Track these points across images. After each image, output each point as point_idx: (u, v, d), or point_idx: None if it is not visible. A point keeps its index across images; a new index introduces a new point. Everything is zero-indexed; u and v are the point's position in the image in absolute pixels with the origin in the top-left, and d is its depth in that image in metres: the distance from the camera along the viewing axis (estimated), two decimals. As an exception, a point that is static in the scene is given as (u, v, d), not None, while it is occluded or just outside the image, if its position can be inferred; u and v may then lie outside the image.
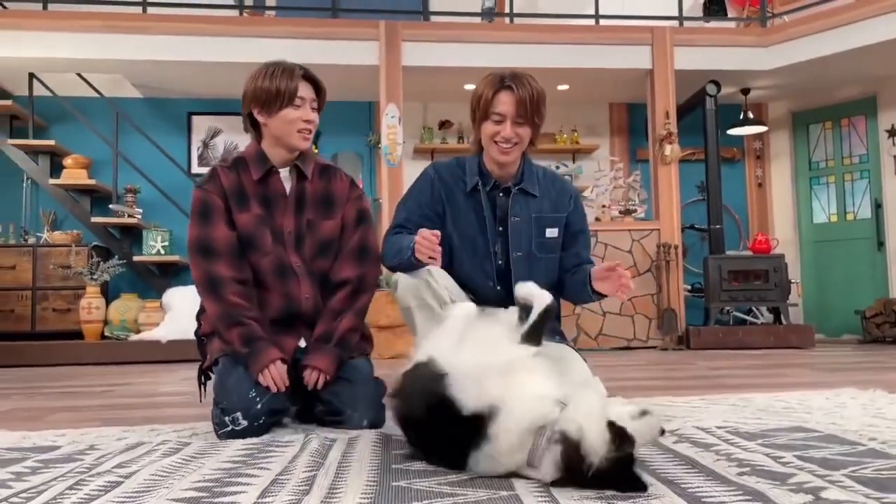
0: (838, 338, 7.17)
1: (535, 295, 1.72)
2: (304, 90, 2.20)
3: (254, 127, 2.25)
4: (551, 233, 2.32)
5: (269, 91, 2.16)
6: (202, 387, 2.33)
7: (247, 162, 2.23)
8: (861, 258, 7.22)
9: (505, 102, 2.21)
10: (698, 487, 1.33)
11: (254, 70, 2.23)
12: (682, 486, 1.35)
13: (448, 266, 2.27)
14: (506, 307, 2.16)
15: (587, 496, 1.28)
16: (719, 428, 1.98)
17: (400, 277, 2.20)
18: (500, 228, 2.30)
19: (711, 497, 1.26)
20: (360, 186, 2.44)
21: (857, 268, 7.24)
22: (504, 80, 2.22)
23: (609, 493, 1.29)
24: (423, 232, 2.04)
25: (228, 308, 2.08)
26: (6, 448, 1.89)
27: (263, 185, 2.22)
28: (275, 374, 2.05)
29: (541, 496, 1.28)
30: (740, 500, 1.24)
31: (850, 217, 7.39)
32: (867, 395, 2.65)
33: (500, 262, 2.29)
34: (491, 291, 2.27)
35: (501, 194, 2.32)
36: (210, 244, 2.14)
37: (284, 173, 2.26)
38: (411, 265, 2.12)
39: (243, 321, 2.07)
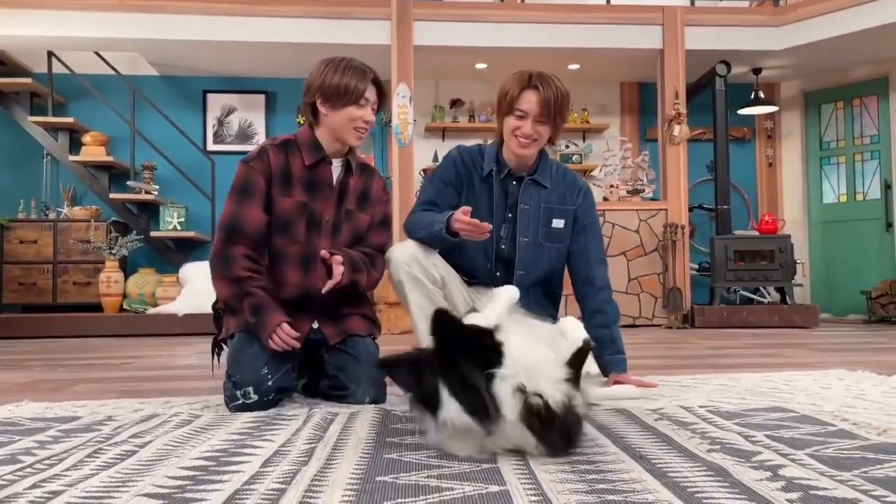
0: (844, 318, 7.22)
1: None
2: (370, 93, 2.25)
3: (312, 115, 2.29)
4: (557, 223, 2.46)
5: (339, 87, 2.20)
6: (216, 358, 2.44)
7: (298, 146, 2.28)
8: (869, 239, 7.25)
9: (529, 101, 2.33)
10: (666, 463, 1.42)
11: (321, 62, 2.26)
12: (652, 461, 1.44)
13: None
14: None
15: (562, 469, 1.38)
16: (702, 407, 2.07)
17: (392, 253, 2.35)
18: (510, 215, 2.44)
19: (676, 472, 1.35)
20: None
21: (865, 248, 7.27)
22: (531, 79, 2.34)
23: (583, 468, 1.40)
24: (462, 217, 2.17)
25: (237, 282, 2.15)
26: (30, 418, 2.02)
27: (312, 171, 2.27)
28: (282, 336, 2.11)
29: (519, 470, 1.38)
30: (702, 476, 1.33)
31: (859, 197, 7.40)
32: (854, 376, 2.73)
33: (503, 245, 2.43)
34: (487, 273, 2.42)
35: (514, 182, 2.46)
36: (239, 224, 2.19)
37: (336, 164, 2.32)
38: (442, 239, 2.27)
39: (251, 291, 2.14)
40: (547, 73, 2.38)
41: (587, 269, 2.49)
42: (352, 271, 2.25)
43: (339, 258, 2.21)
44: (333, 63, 2.24)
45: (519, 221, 2.43)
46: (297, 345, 2.15)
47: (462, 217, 2.18)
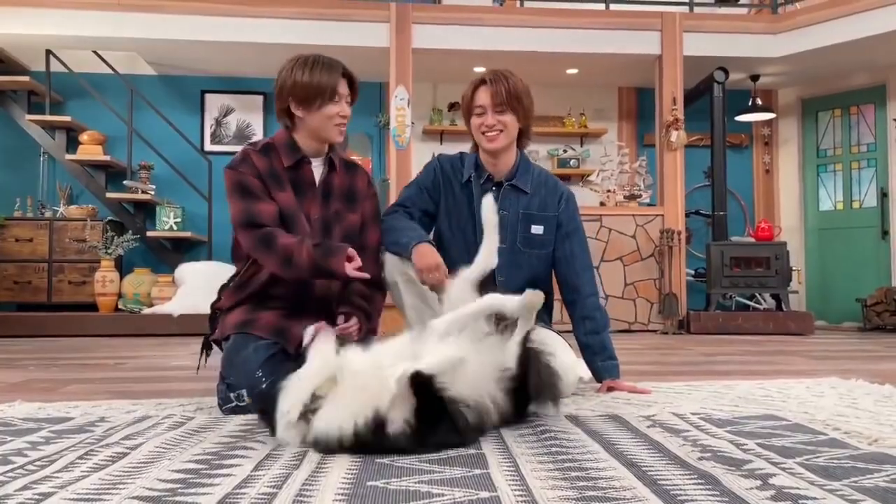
0: (839, 325, 7.23)
1: None
2: (342, 87, 2.23)
3: (288, 116, 2.27)
4: (537, 230, 2.46)
5: (310, 87, 2.17)
6: (205, 357, 2.43)
7: (277, 149, 2.27)
8: (865, 246, 7.26)
9: (482, 95, 2.38)
10: (658, 471, 1.42)
11: (287, 62, 2.23)
12: (643, 468, 1.44)
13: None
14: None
15: (553, 476, 1.38)
16: (694, 414, 2.07)
17: (387, 256, 2.35)
18: None
19: (667, 480, 1.35)
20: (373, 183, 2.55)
21: (860, 256, 7.28)
22: (482, 78, 2.39)
23: (573, 475, 1.40)
24: (424, 262, 2.22)
25: (286, 246, 2.11)
26: (23, 418, 2.02)
27: (294, 172, 2.27)
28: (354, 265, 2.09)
29: (511, 477, 1.38)
30: (693, 484, 1.33)
31: (855, 205, 7.42)
32: (847, 384, 2.73)
33: None
34: None
35: (494, 188, 2.45)
36: (257, 216, 2.16)
37: (316, 163, 2.31)
38: (406, 253, 2.31)
39: (303, 241, 2.13)
40: (502, 70, 2.41)
41: (574, 277, 2.49)
42: (367, 319, 2.29)
43: (353, 324, 2.23)
44: (300, 62, 2.21)
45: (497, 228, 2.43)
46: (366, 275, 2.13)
47: (425, 260, 2.23)
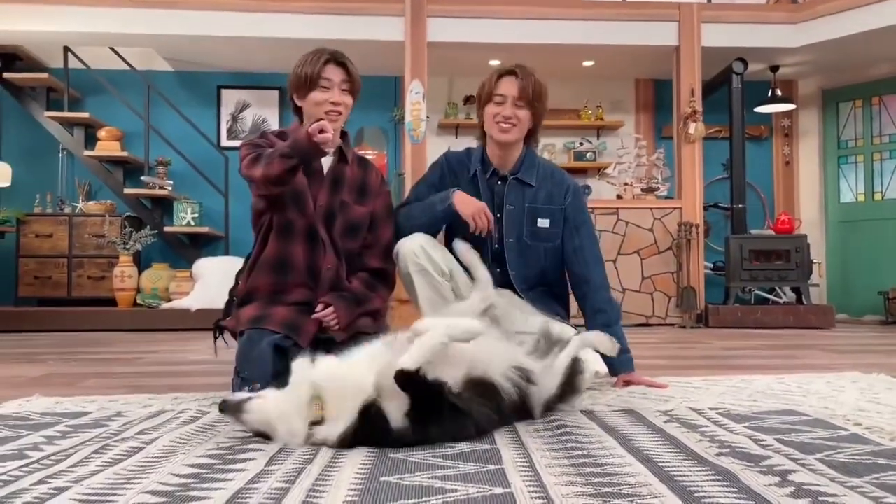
0: (861, 318, 7.14)
1: None
2: (331, 72, 2.30)
3: (297, 111, 2.39)
4: (543, 223, 2.46)
5: (300, 77, 2.29)
6: (220, 337, 2.45)
7: (289, 136, 2.33)
8: (887, 239, 7.16)
9: (507, 85, 2.38)
10: (675, 467, 1.41)
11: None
12: (660, 464, 1.42)
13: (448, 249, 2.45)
14: (503, 286, 2.35)
15: (568, 472, 1.37)
16: (712, 409, 2.04)
17: (400, 247, 2.36)
18: (498, 215, 2.43)
19: (684, 476, 1.33)
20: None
21: (882, 248, 7.18)
22: (512, 69, 2.39)
23: (589, 470, 1.38)
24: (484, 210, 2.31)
25: (271, 152, 2.15)
26: (41, 413, 2.03)
27: None
28: (315, 127, 2.06)
29: (525, 473, 1.37)
30: (710, 480, 1.31)
31: (877, 197, 7.31)
32: (868, 379, 2.70)
33: (496, 245, 2.44)
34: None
35: (500, 182, 2.46)
36: (262, 151, 2.20)
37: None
38: (444, 218, 2.39)
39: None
40: (528, 67, 2.41)
41: (584, 269, 2.48)
42: (356, 305, 2.29)
43: (329, 311, 2.24)
44: (301, 58, 2.33)
45: (505, 222, 2.44)
46: (329, 134, 2.09)
47: (473, 206, 2.31)
